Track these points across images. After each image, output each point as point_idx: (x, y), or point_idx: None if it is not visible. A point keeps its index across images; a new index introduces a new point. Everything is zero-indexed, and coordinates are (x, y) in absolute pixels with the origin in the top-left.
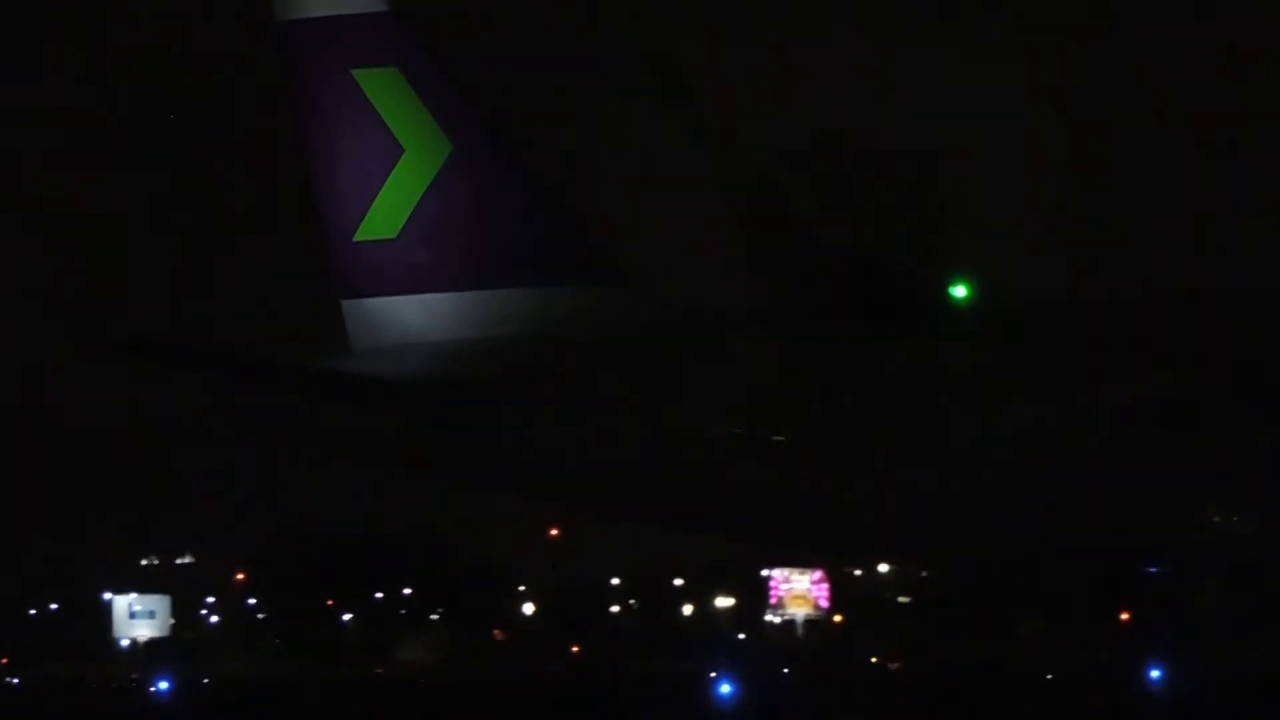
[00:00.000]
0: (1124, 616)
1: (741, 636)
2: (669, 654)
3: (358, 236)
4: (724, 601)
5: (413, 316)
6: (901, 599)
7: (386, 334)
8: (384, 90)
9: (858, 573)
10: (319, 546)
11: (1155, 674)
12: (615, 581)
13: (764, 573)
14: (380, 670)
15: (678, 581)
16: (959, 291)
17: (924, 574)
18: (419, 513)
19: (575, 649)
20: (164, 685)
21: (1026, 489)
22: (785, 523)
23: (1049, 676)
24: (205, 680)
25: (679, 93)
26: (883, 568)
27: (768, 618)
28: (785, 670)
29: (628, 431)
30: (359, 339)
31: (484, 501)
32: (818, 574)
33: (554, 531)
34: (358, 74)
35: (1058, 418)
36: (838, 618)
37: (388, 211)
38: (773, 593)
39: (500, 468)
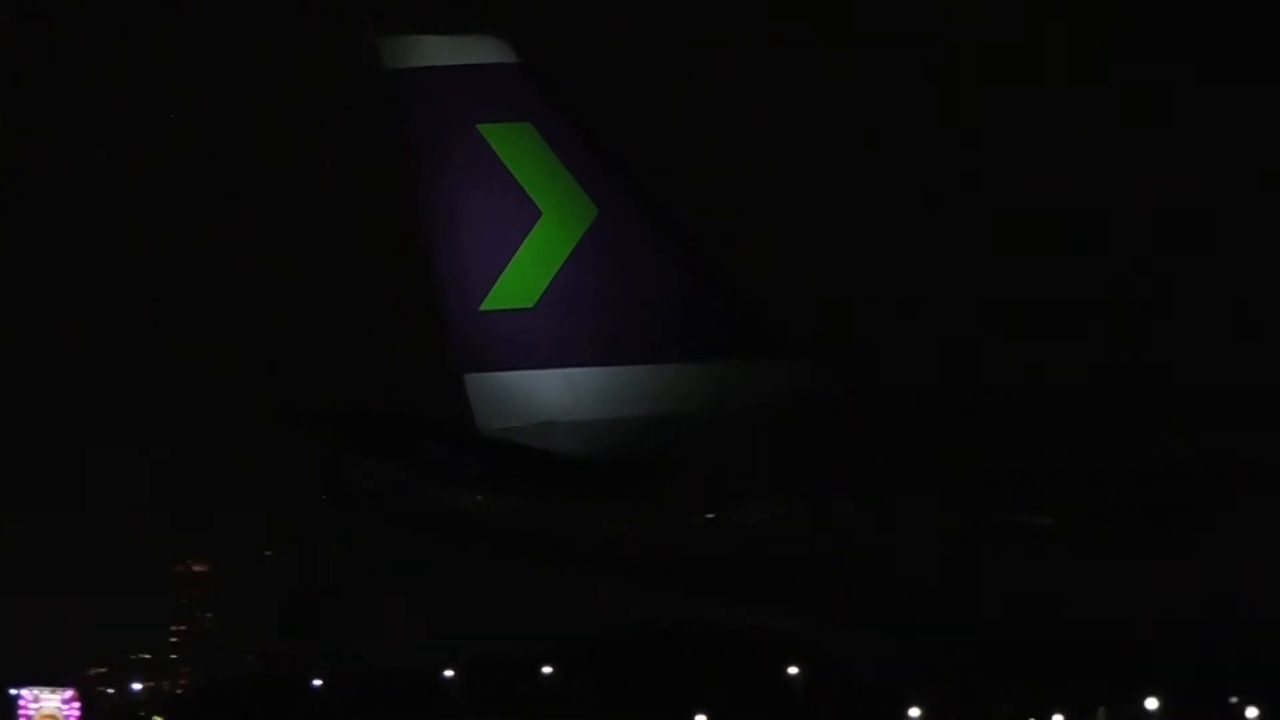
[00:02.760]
0: None
1: None
2: None
3: (485, 305)
4: None
5: (553, 392)
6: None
7: (521, 411)
8: (516, 147)
9: (110, 690)
10: None
11: None
12: None
13: (12, 691)
14: None
15: None
16: None
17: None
18: None
19: None
20: None
21: None
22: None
23: None
24: None
25: None
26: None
27: None
28: None
29: (825, 520)
30: (487, 416)
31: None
32: (69, 692)
33: None
34: (485, 129)
35: None
36: None
37: (523, 278)
38: (21, 712)
39: (693, 564)
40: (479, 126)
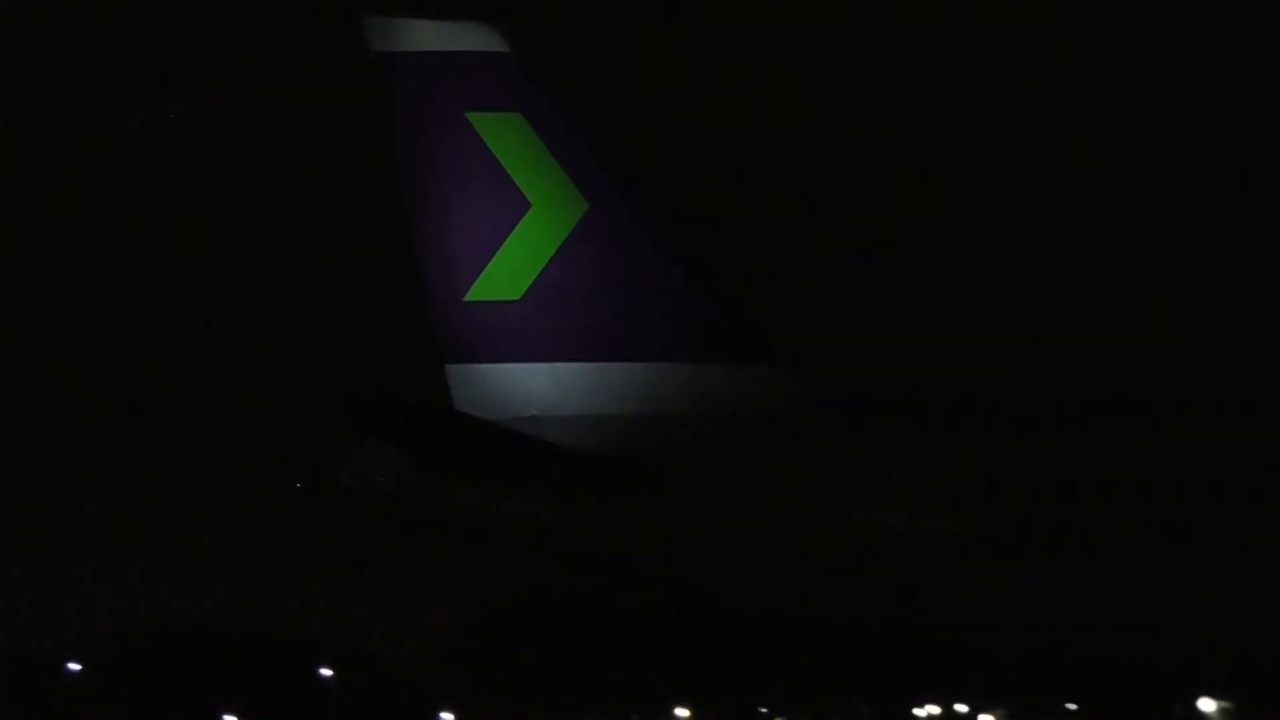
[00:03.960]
0: None
1: None
2: None
3: (470, 296)
4: None
5: (539, 386)
6: None
7: (505, 404)
8: (505, 138)
9: None
10: None
11: None
12: None
13: None
14: None
15: None
16: None
17: None
18: None
19: None
20: None
21: None
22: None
23: None
24: None
25: None
26: None
27: None
28: None
29: (806, 526)
30: (468, 408)
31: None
32: None
33: None
34: (474, 118)
35: None
36: None
37: (509, 270)
38: None
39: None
40: (468, 115)
